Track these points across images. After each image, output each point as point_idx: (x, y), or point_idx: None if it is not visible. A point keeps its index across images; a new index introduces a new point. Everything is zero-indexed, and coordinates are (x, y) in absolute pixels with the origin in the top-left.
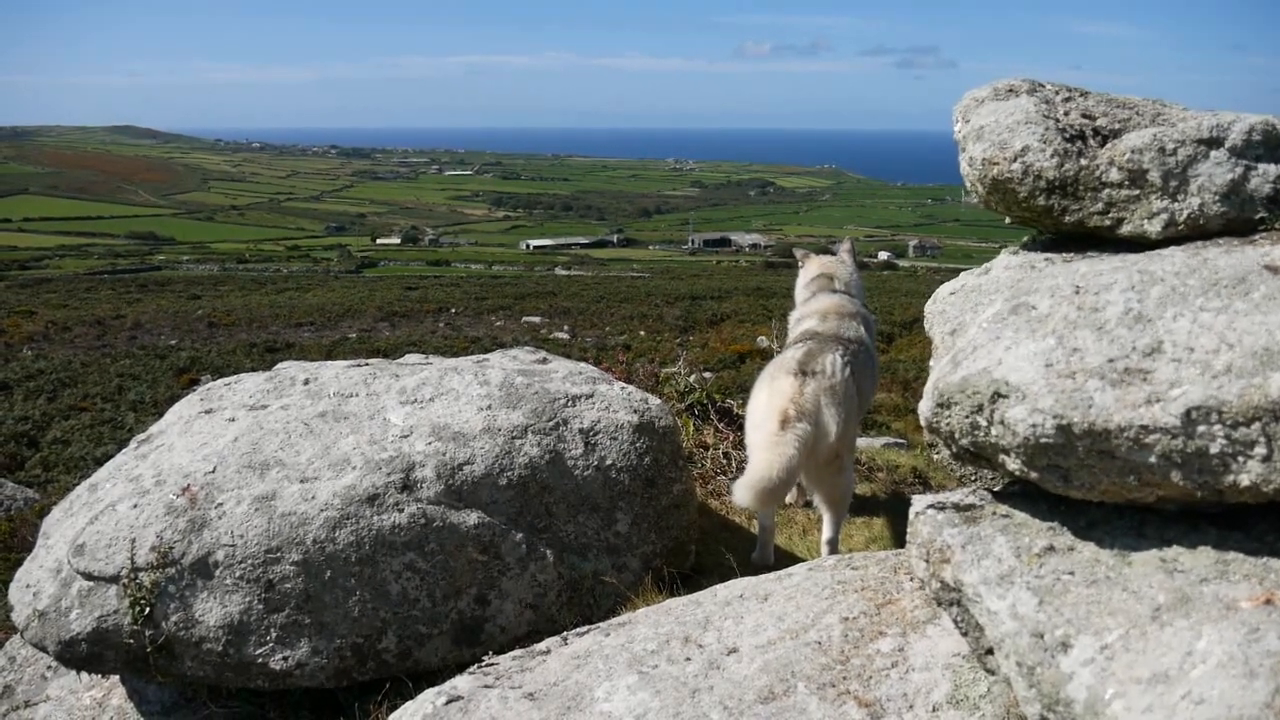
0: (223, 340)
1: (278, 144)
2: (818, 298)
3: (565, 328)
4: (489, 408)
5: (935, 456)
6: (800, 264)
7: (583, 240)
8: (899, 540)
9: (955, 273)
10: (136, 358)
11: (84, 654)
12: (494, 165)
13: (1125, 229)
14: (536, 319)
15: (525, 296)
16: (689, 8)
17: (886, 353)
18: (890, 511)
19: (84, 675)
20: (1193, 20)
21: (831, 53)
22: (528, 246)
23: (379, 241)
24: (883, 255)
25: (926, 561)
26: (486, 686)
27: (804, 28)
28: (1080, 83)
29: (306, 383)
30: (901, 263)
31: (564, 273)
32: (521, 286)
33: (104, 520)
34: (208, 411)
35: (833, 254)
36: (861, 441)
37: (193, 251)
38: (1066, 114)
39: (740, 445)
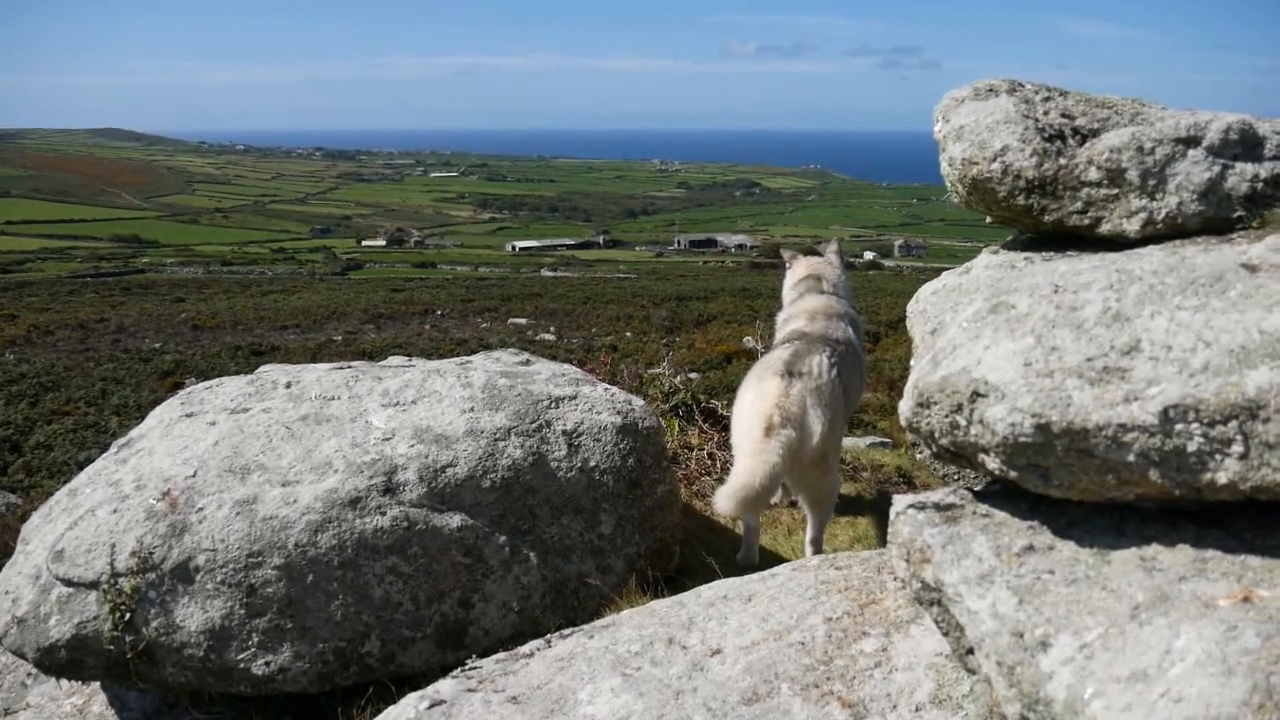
0: (207, 343)
1: (262, 146)
2: (805, 298)
3: (551, 329)
4: (472, 410)
5: (919, 456)
6: (788, 265)
7: (569, 241)
8: (884, 540)
9: (940, 272)
10: (120, 361)
11: (64, 661)
12: (480, 167)
13: (1104, 228)
14: (523, 320)
15: (511, 298)
16: (675, 7)
17: (873, 352)
18: (875, 511)
19: (64, 682)
20: (1179, 19)
21: (816, 53)
22: (514, 248)
23: (364, 243)
24: (868, 255)
25: (907, 561)
26: (470, 690)
27: (788, 28)
28: (1066, 82)
29: (288, 386)
30: (887, 262)
31: (550, 274)
32: (508, 288)
33: (83, 525)
34: (189, 415)
35: (820, 255)
36: (847, 441)
37: (177, 254)
38: (1046, 114)
39: (725, 446)
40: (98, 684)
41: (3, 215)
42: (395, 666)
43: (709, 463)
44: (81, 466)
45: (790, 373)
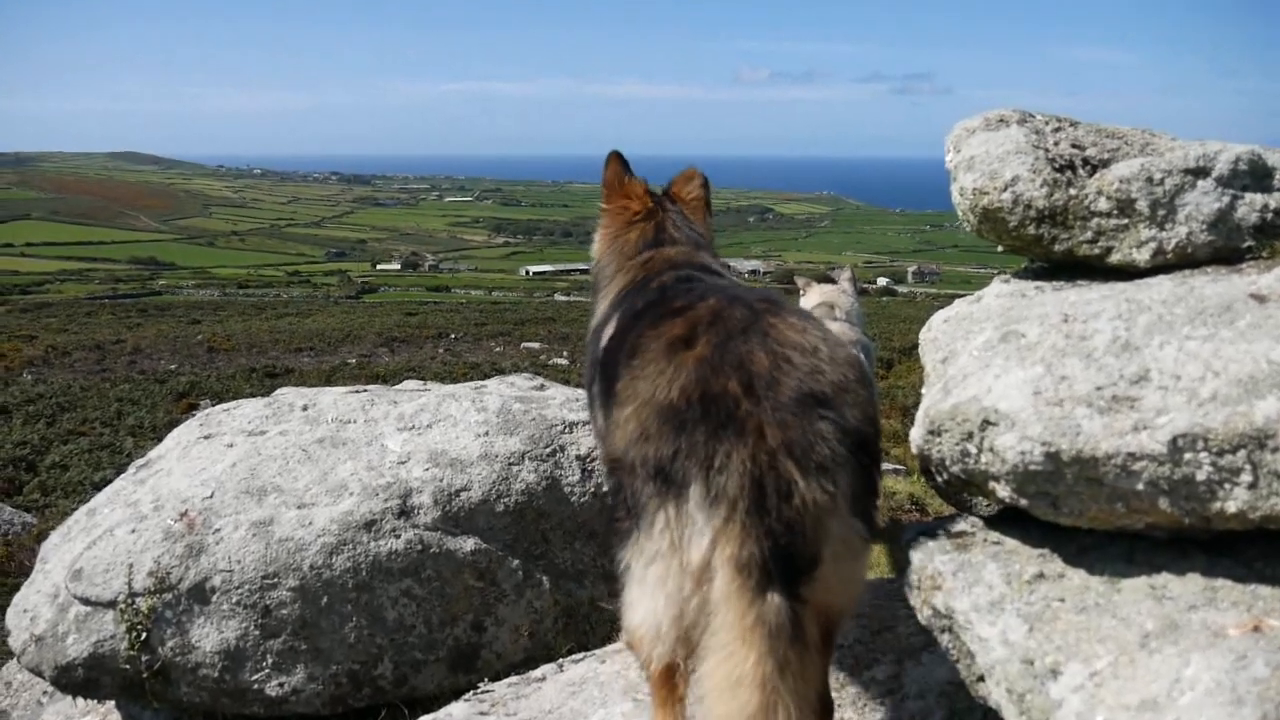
0: (222, 365)
1: (279, 170)
2: None
3: (564, 353)
4: (486, 434)
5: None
6: (802, 292)
7: (583, 266)
8: (896, 567)
9: (954, 298)
10: (136, 382)
11: (80, 679)
12: (494, 191)
13: (1114, 258)
14: (536, 345)
15: (525, 322)
16: (685, 34)
17: (886, 379)
18: (886, 539)
19: (80, 701)
20: (1186, 47)
21: (828, 79)
22: (527, 272)
23: (379, 267)
24: (882, 281)
25: (918, 589)
26: (481, 714)
27: (800, 55)
28: (1076, 109)
29: (305, 409)
30: (900, 288)
31: (564, 299)
32: (521, 312)
33: (102, 545)
34: (206, 437)
35: (834, 282)
36: None
37: (193, 276)
38: (1056, 144)
39: None
40: (113, 703)
41: (22, 237)
42: (408, 689)
43: None
44: (96, 486)
45: None
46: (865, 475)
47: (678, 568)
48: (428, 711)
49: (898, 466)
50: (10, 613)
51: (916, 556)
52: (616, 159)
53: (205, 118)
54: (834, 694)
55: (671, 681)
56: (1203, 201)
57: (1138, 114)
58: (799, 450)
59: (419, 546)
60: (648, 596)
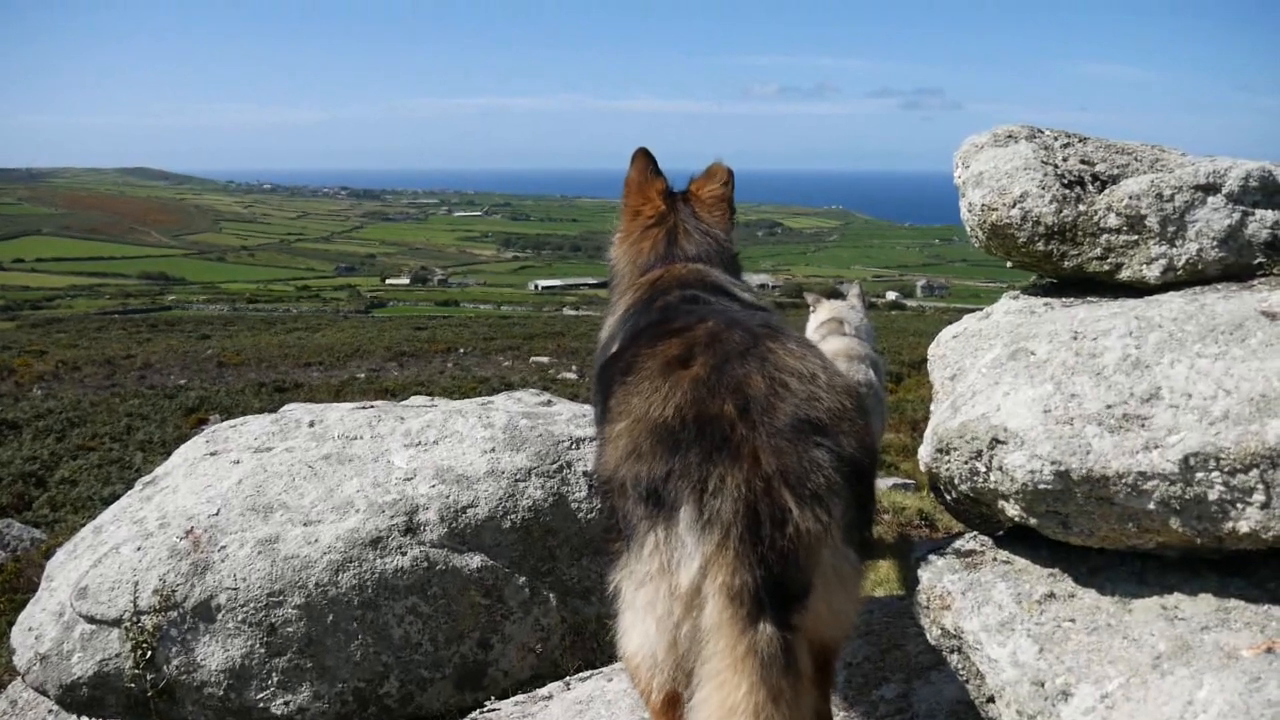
0: (232, 380)
1: (289, 185)
2: (828, 341)
3: (573, 368)
4: (493, 450)
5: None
6: (811, 308)
7: (591, 280)
8: (905, 584)
9: (963, 313)
10: (145, 397)
11: (85, 698)
12: (503, 206)
13: (1124, 274)
14: (545, 359)
15: (534, 337)
16: (695, 49)
17: (895, 393)
18: (896, 555)
19: None
20: (1198, 62)
21: (838, 94)
22: (536, 287)
23: (388, 282)
24: (890, 295)
25: (927, 608)
26: None
27: (810, 69)
28: (1088, 124)
29: (311, 425)
30: (909, 303)
31: (572, 313)
32: (530, 327)
33: (107, 563)
34: (213, 454)
35: (843, 298)
36: None
37: (203, 291)
38: (1065, 160)
39: None
40: None
41: (34, 252)
42: (414, 708)
43: None
44: (106, 502)
45: None
46: (859, 505)
47: (667, 592)
48: None
49: (907, 481)
50: (16, 630)
51: (925, 575)
52: (643, 156)
53: (216, 133)
54: (842, 713)
55: (674, 712)
56: (1213, 218)
57: (1150, 130)
58: (794, 477)
59: (425, 563)
60: (640, 622)
